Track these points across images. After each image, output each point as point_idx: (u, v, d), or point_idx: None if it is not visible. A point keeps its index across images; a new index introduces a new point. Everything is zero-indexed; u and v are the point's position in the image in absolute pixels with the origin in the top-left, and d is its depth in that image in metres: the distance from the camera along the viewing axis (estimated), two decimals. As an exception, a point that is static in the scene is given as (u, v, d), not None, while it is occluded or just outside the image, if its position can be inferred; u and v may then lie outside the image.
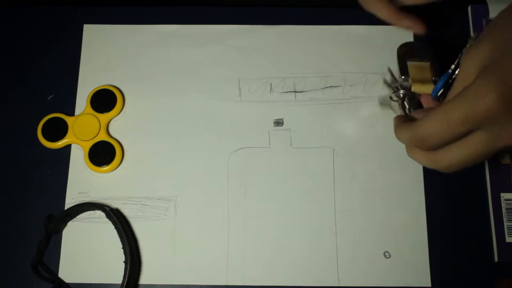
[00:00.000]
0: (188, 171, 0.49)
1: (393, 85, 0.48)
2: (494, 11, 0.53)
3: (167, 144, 0.50)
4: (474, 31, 0.53)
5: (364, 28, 0.53)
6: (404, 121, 0.41)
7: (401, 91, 0.47)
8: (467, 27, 0.54)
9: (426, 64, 0.47)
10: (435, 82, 0.45)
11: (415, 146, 0.39)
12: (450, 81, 0.43)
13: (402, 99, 0.47)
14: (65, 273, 0.47)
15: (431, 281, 0.47)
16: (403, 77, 0.46)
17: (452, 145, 0.37)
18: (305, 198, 0.49)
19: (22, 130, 0.51)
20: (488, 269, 0.47)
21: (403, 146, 0.49)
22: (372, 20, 0.53)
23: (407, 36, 0.53)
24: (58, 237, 0.48)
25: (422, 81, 0.46)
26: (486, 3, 0.53)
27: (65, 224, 0.48)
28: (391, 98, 0.49)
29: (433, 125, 0.37)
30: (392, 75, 0.48)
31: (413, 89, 0.45)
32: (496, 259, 0.48)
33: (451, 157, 0.38)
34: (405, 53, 0.48)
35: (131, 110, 0.51)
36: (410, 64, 0.47)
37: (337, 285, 0.47)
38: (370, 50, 0.53)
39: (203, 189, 0.49)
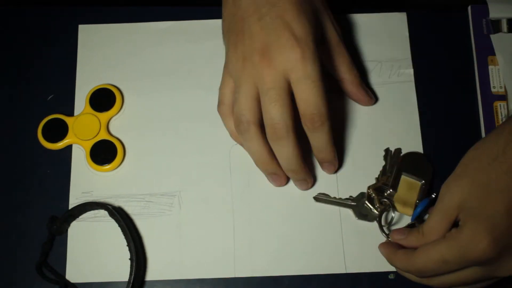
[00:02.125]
0: (191, 166, 0.50)
1: (377, 198, 0.47)
2: (494, 11, 0.53)
3: (168, 140, 0.50)
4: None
5: (361, 16, 0.54)
6: (395, 250, 0.44)
7: (379, 208, 0.47)
8: (467, 27, 0.54)
9: (418, 184, 0.47)
10: (415, 205, 0.47)
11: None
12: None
13: (379, 216, 0.47)
14: (73, 273, 0.47)
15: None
16: (390, 190, 0.47)
17: (447, 274, 0.41)
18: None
19: (22, 132, 0.51)
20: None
21: (404, 136, 0.50)
22: (369, 8, 0.54)
23: (402, 23, 0.53)
24: (64, 237, 0.48)
25: (405, 203, 0.47)
26: (486, 3, 0.53)
27: (69, 225, 0.48)
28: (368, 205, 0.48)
29: (430, 262, 0.40)
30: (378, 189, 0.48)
31: (396, 208, 0.47)
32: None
33: (445, 280, 0.42)
34: (404, 164, 0.48)
35: (131, 108, 0.51)
36: (403, 178, 0.47)
37: (344, 272, 0.47)
38: (365, 37, 0.53)
39: (206, 183, 0.49)
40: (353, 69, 0.48)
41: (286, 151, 0.43)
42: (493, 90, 0.51)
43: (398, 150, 0.49)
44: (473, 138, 0.46)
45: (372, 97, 0.50)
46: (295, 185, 0.48)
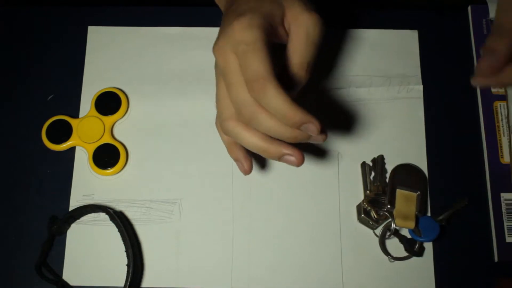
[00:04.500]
0: (193, 174, 0.49)
1: (374, 210, 0.48)
2: (494, 11, 0.53)
3: (172, 147, 0.50)
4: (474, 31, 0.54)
5: (370, 31, 0.53)
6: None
7: (381, 226, 0.48)
8: (467, 27, 0.54)
9: (414, 196, 0.47)
10: (417, 217, 0.47)
11: None
12: None
13: (382, 236, 0.47)
14: (69, 275, 0.47)
15: (435, 285, 0.47)
16: (389, 206, 0.47)
17: None
18: (310, 201, 0.49)
19: (26, 132, 0.51)
20: (488, 269, 0.48)
21: (407, 149, 0.50)
22: (378, 23, 0.53)
23: (413, 40, 0.53)
24: (63, 239, 0.48)
25: (406, 217, 0.46)
26: (486, 3, 0.54)
27: (69, 226, 0.48)
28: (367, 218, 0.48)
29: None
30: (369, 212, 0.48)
31: (396, 222, 0.46)
32: (496, 259, 0.48)
33: None
34: (397, 178, 0.48)
35: (136, 112, 0.51)
36: (399, 192, 0.47)
37: (341, 288, 0.47)
38: (375, 53, 0.53)
39: (208, 192, 0.49)
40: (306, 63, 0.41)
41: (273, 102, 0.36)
42: (493, 90, 0.52)
43: (381, 157, 0.49)
44: (473, 138, 0.46)
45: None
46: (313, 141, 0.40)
